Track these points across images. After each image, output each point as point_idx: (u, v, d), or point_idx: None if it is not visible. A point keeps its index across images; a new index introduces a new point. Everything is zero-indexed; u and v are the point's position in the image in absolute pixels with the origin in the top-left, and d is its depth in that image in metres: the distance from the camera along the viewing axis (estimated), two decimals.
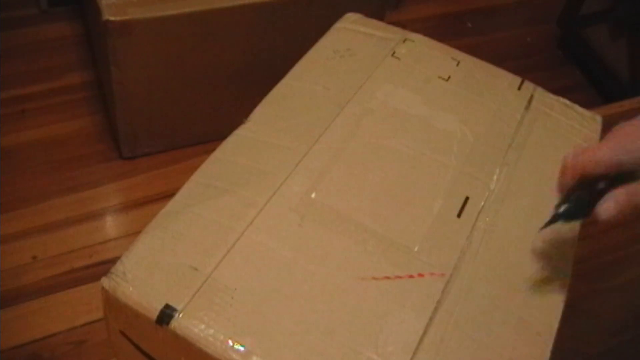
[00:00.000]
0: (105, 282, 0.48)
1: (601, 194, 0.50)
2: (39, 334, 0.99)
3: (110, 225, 1.15)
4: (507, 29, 1.74)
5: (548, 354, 0.49)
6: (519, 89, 0.70)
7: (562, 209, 0.52)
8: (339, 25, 0.74)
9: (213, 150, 0.58)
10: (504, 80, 0.71)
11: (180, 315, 0.46)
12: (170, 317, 0.45)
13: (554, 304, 0.52)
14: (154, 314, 0.46)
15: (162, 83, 1.15)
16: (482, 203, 0.58)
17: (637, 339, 1.08)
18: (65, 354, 0.97)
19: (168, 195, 0.54)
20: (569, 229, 0.58)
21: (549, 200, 0.60)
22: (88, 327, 1.00)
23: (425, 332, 0.48)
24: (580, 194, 0.52)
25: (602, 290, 1.15)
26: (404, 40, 0.73)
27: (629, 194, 0.48)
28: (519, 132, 0.65)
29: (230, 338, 0.45)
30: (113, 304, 0.48)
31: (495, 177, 0.60)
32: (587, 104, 0.71)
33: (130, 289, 0.47)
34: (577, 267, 0.56)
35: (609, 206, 0.49)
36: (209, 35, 1.11)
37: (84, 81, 1.37)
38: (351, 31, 0.73)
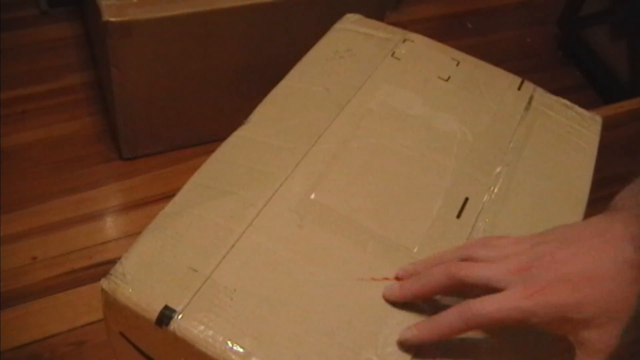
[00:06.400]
0: (104, 283, 0.48)
1: None
2: (39, 335, 0.99)
3: (111, 226, 1.15)
4: (507, 29, 1.74)
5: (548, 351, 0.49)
6: (519, 89, 0.70)
7: None
8: (339, 25, 0.74)
9: (213, 151, 0.58)
10: (504, 80, 0.71)
11: (180, 317, 0.46)
12: (170, 318, 0.45)
13: None
14: (153, 315, 0.46)
15: (162, 84, 1.15)
16: (482, 204, 0.58)
17: (638, 339, 1.08)
18: (65, 354, 0.97)
19: (168, 196, 0.54)
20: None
21: (549, 200, 0.60)
22: (88, 328, 1.00)
23: None
24: None
25: None
26: (404, 41, 0.73)
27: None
28: (519, 132, 0.65)
29: (229, 339, 0.45)
30: (112, 306, 0.48)
31: (495, 178, 0.60)
32: (587, 105, 0.71)
33: (130, 290, 0.47)
34: None
35: None
36: (209, 36, 1.11)
37: (84, 82, 1.37)
38: (351, 32, 0.73)
